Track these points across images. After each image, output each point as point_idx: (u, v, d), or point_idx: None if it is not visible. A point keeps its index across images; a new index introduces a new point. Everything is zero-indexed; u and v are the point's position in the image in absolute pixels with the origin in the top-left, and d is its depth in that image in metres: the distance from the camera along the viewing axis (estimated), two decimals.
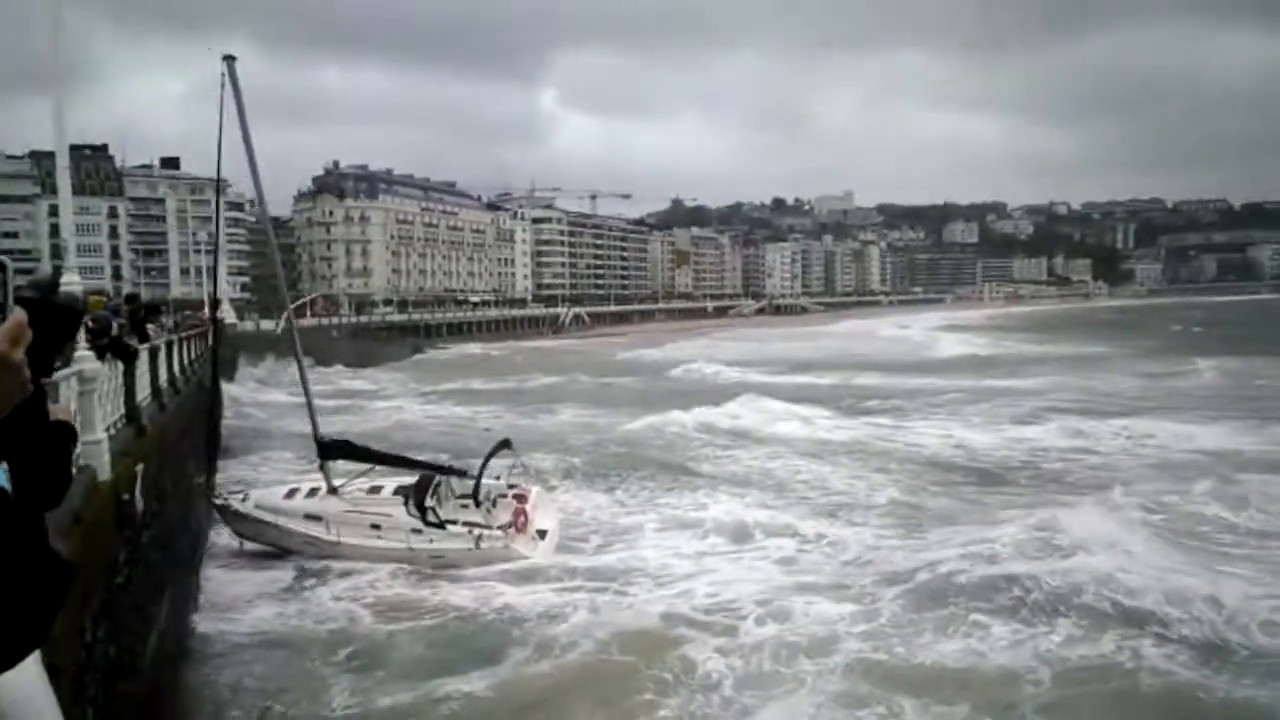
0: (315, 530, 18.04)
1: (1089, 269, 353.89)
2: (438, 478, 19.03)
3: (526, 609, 14.48)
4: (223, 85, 18.35)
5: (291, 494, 19.39)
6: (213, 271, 27.98)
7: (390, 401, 45.51)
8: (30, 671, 1.22)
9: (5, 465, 1.10)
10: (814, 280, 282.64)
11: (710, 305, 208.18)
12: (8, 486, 1.09)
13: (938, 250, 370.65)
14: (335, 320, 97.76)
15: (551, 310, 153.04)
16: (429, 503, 18.14)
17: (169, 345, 21.26)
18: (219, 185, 24.44)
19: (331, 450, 19.62)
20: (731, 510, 20.25)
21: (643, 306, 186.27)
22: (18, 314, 1.17)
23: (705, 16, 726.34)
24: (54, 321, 1.21)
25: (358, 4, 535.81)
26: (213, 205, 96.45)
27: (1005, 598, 13.84)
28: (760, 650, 12.35)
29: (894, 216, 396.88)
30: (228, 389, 41.18)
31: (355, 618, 14.72)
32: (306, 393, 21.05)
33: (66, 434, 1.39)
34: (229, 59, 18.60)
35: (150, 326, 20.64)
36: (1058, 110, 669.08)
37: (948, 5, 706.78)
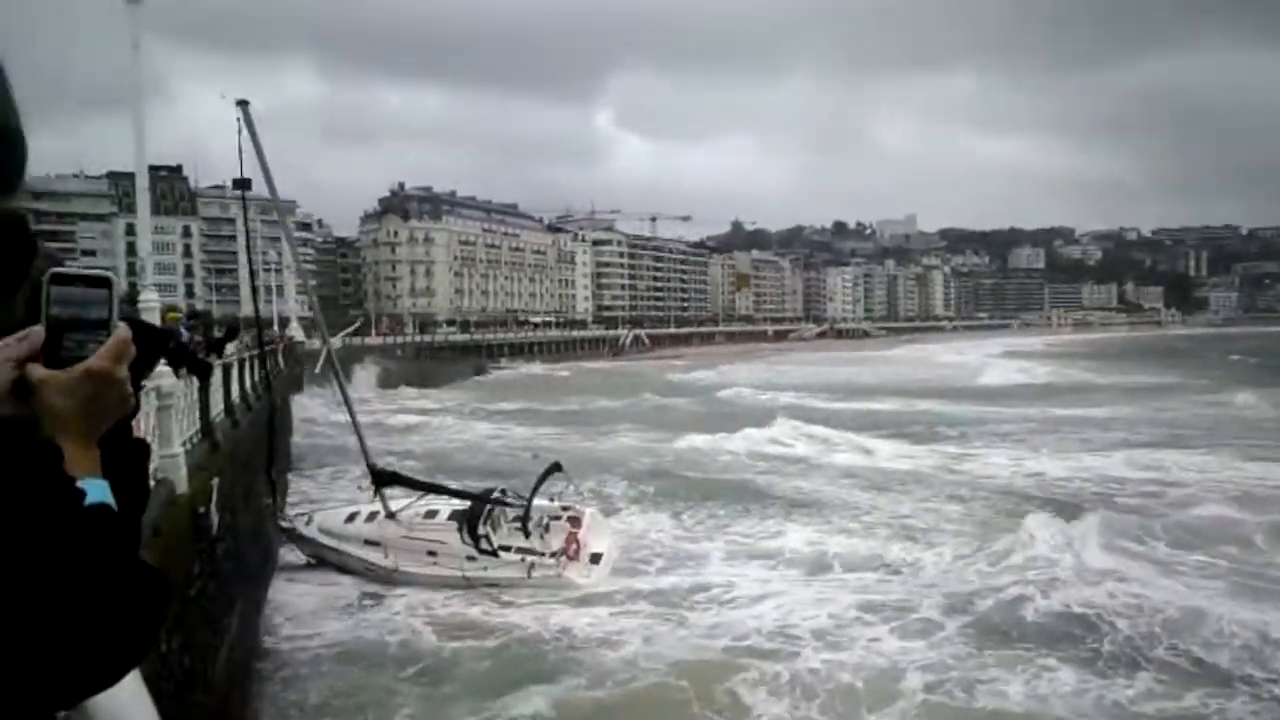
0: (374, 556, 18.36)
1: (1160, 296, 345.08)
2: (489, 507, 19.01)
3: (585, 632, 14.43)
4: (239, 130, 18.87)
5: (352, 518, 19.65)
6: (254, 291, 28.22)
7: (455, 420, 45.93)
8: (130, 688, 1.23)
9: (106, 481, 1.14)
10: (876, 304, 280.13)
11: (770, 329, 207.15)
12: (112, 502, 1.15)
13: (1003, 276, 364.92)
14: (400, 339, 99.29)
15: (612, 332, 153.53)
16: (482, 530, 18.26)
17: (241, 362, 21.72)
18: (246, 219, 25.30)
19: (384, 479, 19.82)
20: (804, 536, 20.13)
21: (702, 329, 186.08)
22: (122, 331, 1.17)
23: (756, 40, 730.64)
24: (148, 342, 1.24)
25: (417, 27, 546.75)
26: (281, 227, 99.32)
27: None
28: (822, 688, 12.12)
29: (957, 241, 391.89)
30: (302, 406, 41.88)
31: (419, 633, 14.82)
32: (355, 423, 20.91)
33: (144, 450, 1.42)
34: (243, 103, 19.20)
35: (230, 345, 21.13)
36: (1121, 133, 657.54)
37: (997, 27, 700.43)
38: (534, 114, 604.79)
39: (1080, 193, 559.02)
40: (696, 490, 25.51)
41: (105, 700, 1.15)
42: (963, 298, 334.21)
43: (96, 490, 1.10)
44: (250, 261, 29.32)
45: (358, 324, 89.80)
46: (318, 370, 43.63)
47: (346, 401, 21.88)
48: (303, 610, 16.21)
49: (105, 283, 1.15)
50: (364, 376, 61.90)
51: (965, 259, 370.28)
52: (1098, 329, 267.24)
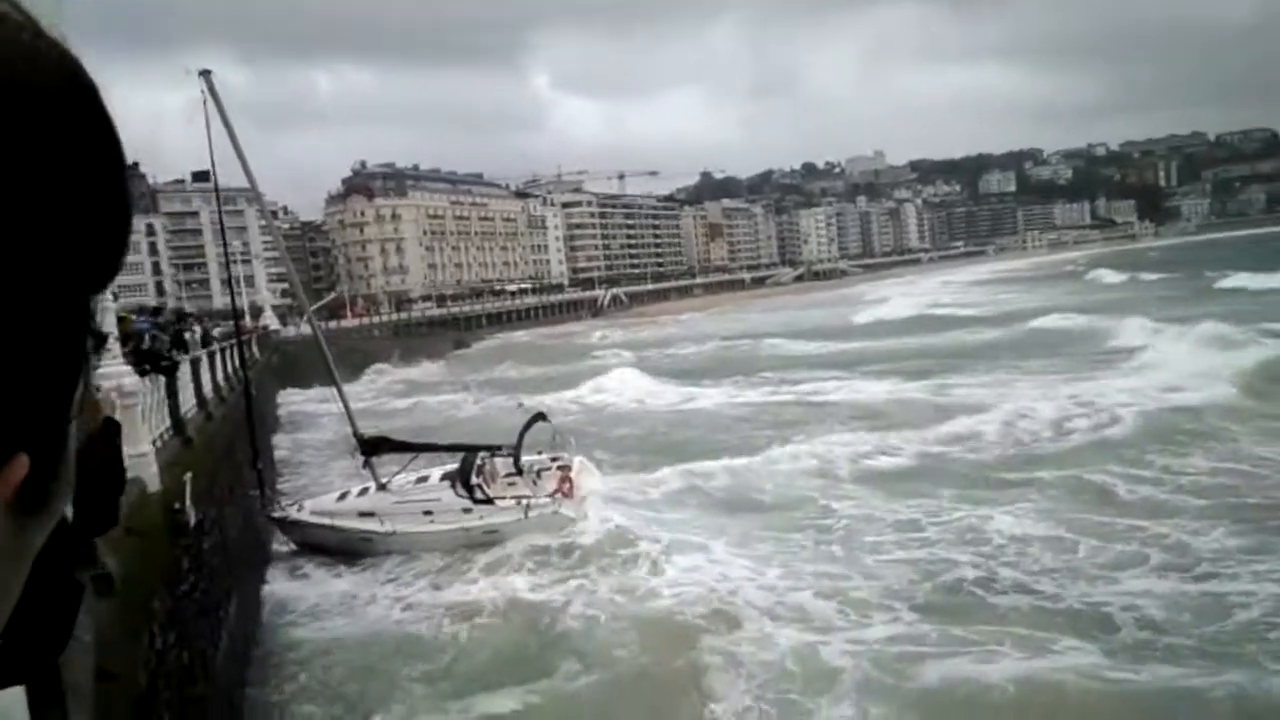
0: (370, 525, 18.34)
1: (1133, 210, 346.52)
2: (480, 458, 19.40)
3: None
4: (204, 99, 18.95)
5: (343, 496, 19.75)
6: (228, 282, 28.33)
7: (437, 397, 45.57)
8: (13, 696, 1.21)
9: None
10: (851, 243, 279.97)
11: (748, 276, 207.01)
12: (68, 513, 1.14)
13: (975, 203, 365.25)
14: (376, 319, 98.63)
15: (589, 294, 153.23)
16: (475, 480, 18.56)
17: (211, 356, 21.54)
18: (218, 195, 25.09)
19: (373, 446, 20.14)
20: None
21: (680, 283, 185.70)
22: None
23: None
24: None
25: (332, 10, 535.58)
26: (246, 216, 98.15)
27: None
28: None
29: (928, 172, 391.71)
30: (296, 403, 41.61)
31: (418, 619, 14.67)
32: (340, 393, 21.29)
33: (113, 432, 1.38)
34: (205, 73, 19.21)
35: (187, 335, 20.94)
36: (1076, 52, 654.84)
37: None
38: (467, 86, 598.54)
39: (1046, 114, 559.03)
40: None
41: None
42: (936, 228, 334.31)
43: None
44: (225, 247, 28.95)
45: (329, 298, 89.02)
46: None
47: (331, 373, 22.24)
48: (301, 600, 16.16)
49: None
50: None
51: (936, 189, 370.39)
52: (1072, 248, 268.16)
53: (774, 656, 11.36)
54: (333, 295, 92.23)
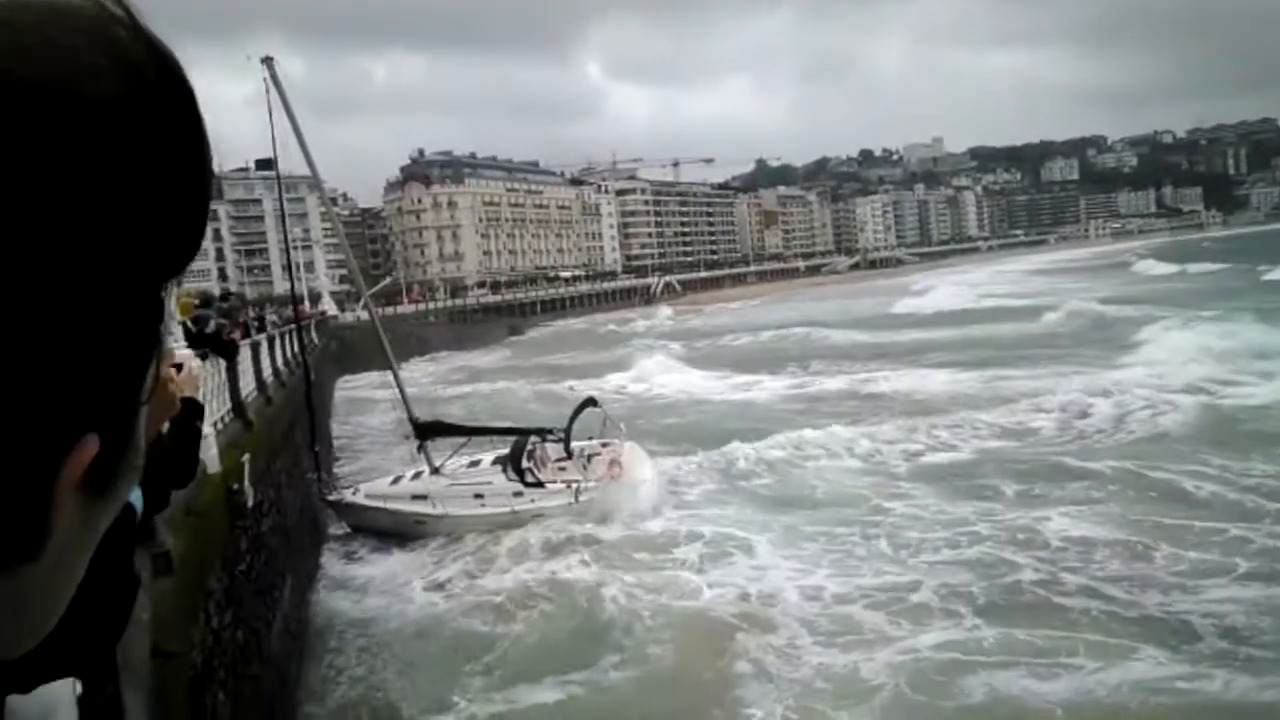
0: (423, 508, 18.57)
1: (1200, 198, 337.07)
2: (531, 442, 19.60)
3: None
4: (267, 87, 19.24)
5: (396, 480, 20.05)
6: (288, 268, 28.88)
7: (492, 384, 45.78)
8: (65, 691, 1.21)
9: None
10: (908, 231, 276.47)
11: (802, 265, 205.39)
12: (138, 505, 1.15)
13: (1036, 190, 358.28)
14: (432, 305, 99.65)
15: (642, 281, 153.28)
16: (526, 464, 18.72)
17: (270, 340, 21.92)
18: (279, 181, 25.42)
19: (427, 430, 20.37)
20: None
21: (733, 271, 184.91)
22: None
23: None
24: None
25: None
26: (307, 203, 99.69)
27: None
28: None
29: (987, 159, 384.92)
30: (355, 387, 42.29)
31: (471, 607, 14.54)
32: (396, 378, 21.67)
33: (194, 411, 1.43)
34: (268, 60, 19.47)
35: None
36: (1144, 35, 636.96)
37: None
38: (521, 75, 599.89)
39: (1110, 100, 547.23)
40: None
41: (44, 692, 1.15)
42: (996, 216, 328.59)
43: None
44: (285, 233, 29.28)
45: (384, 283, 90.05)
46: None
47: (388, 357, 22.67)
48: (355, 581, 16.38)
49: None
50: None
51: (996, 176, 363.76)
52: (1137, 237, 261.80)
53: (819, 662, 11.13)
54: (388, 280, 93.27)
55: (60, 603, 0.50)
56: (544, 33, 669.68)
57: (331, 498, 20.04)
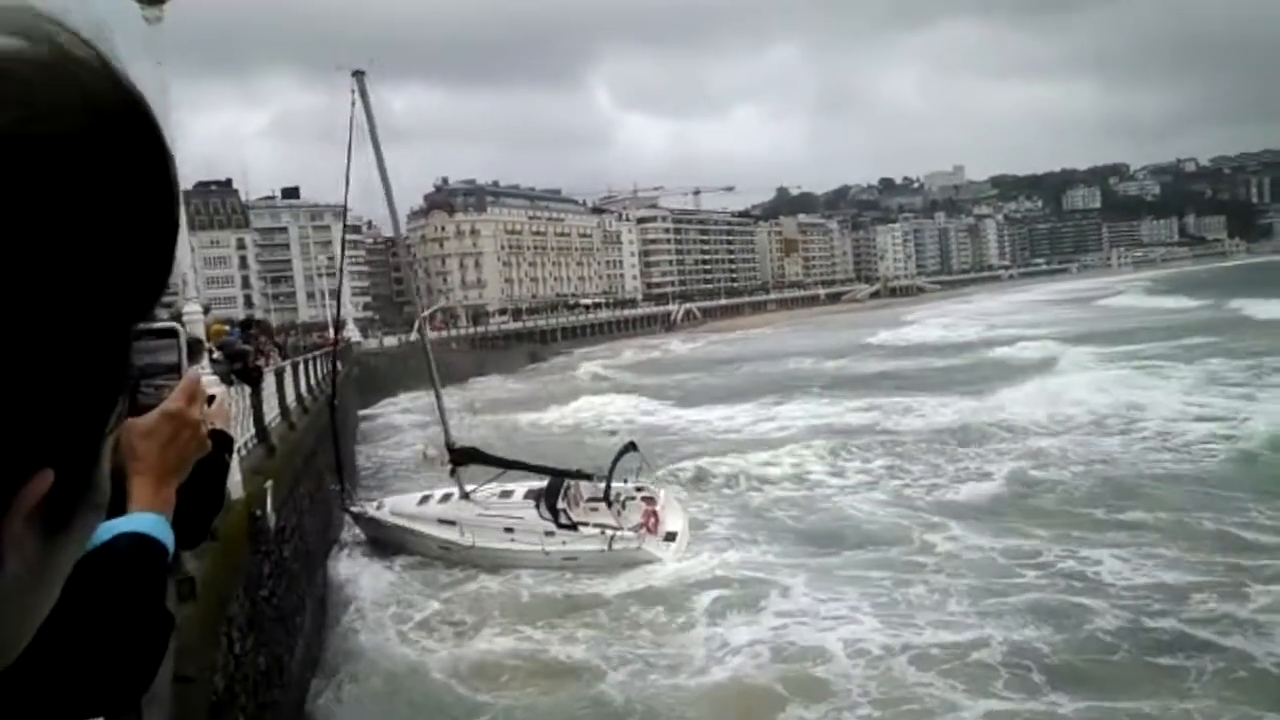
0: (450, 534, 18.16)
1: (1223, 226, 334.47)
2: (567, 481, 18.98)
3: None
4: (353, 101, 19.31)
5: (425, 500, 19.76)
6: (337, 294, 29.11)
7: (514, 415, 45.31)
8: None
9: (162, 516, 1.16)
10: (929, 259, 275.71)
11: (823, 292, 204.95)
12: (160, 537, 1.16)
13: (1058, 219, 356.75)
14: (454, 332, 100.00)
15: (663, 308, 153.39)
16: (561, 504, 18.11)
17: (294, 366, 22.09)
18: (346, 196, 25.40)
19: (463, 456, 19.97)
20: None
21: (753, 298, 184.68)
22: (192, 373, 1.27)
23: (739, 12, 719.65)
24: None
25: (400, 31, 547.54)
26: (333, 231, 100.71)
27: None
28: None
29: (1009, 187, 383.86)
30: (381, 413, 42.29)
31: (495, 634, 14.22)
32: (439, 401, 21.59)
33: (225, 444, 1.50)
34: (358, 74, 19.53)
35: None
36: (1165, 64, 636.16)
37: None
38: (539, 107, 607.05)
39: (1132, 128, 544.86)
40: None
41: None
42: (1017, 244, 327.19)
43: (143, 523, 1.13)
44: (342, 260, 29.30)
45: (440, 304, 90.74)
46: None
47: (434, 381, 22.68)
48: (373, 599, 16.19)
49: (173, 333, 1.33)
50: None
51: (1018, 205, 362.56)
52: (1159, 265, 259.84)
53: None
54: (442, 303, 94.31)
55: (16, 639, 0.48)
56: (557, 66, 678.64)
57: (354, 509, 19.88)
